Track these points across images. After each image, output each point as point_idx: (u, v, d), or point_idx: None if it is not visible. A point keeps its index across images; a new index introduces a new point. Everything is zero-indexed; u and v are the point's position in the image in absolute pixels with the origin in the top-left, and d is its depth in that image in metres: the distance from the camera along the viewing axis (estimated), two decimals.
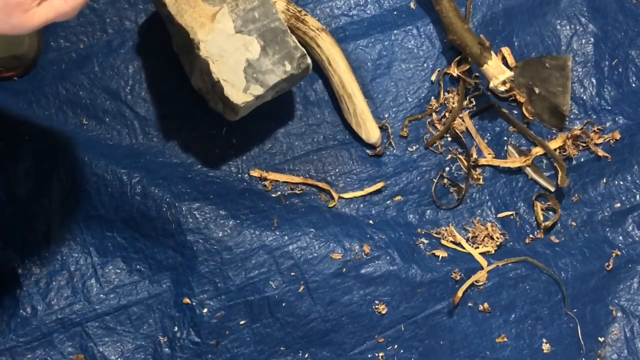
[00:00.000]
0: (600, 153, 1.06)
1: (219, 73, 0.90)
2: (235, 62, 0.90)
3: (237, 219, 0.98)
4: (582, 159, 1.07)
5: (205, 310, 0.95)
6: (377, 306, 0.98)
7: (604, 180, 1.07)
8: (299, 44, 0.93)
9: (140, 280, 0.96)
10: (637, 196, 1.06)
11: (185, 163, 1.00)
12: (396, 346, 0.99)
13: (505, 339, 1.01)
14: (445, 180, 1.06)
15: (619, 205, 1.06)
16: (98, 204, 0.95)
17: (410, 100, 1.06)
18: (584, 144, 1.06)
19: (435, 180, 1.05)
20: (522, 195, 1.06)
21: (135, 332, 0.95)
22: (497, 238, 1.03)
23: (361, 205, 1.03)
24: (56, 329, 0.93)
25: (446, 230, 1.04)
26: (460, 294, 0.99)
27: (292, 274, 0.97)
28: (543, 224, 1.04)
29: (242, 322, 0.96)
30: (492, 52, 1.02)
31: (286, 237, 0.97)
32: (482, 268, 1.01)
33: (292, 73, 0.92)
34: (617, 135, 1.06)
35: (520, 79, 1.07)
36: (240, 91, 0.91)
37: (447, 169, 1.06)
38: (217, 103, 0.95)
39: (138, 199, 0.96)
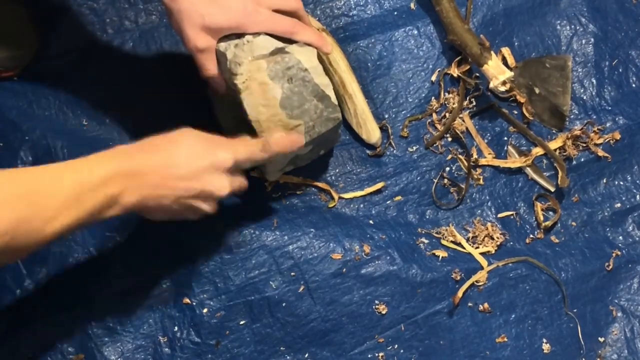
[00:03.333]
0: (600, 153, 1.06)
1: (270, 165, 0.93)
2: (288, 157, 0.94)
3: (237, 219, 0.98)
4: (582, 159, 1.07)
5: (205, 310, 0.95)
6: (377, 306, 0.98)
7: (604, 181, 1.07)
8: (339, 134, 1.00)
9: (140, 280, 0.95)
10: (637, 196, 1.06)
11: None
12: (396, 346, 0.99)
13: (505, 339, 1.01)
14: (446, 181, 1.06)
15: (619, 205, 1.06)
16: None
17: (410, 100, 1.06)
18: (584, 144, 1.06)
19: (436, 181, 1.05)
20: (522, 195, 1.06)
21: (136, 332, 0.95)
22: (497, 238, 1.03)
23: (361, 205, 1.03)
24: (56, 329, 0.93)
25: (446, 230, 1.04)
26: (460, 294, 0.99)
27: (292, 274, 0.97)
28: (543, 224, 1.04)
29: (242, 322, 0.96)
30: (492, 53, 1.02)
31: (286, 237, 0.97)
32: (482, 268, 1.01)
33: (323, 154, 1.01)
34: (617, 136, 1.06)
35: (520, 79, 1.07)
36: (277, 171, 0.97)
37: (447, 169, 1.06)
38: None
39: None
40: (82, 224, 0.72)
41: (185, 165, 0.78)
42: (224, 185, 0.81)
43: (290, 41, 0.89)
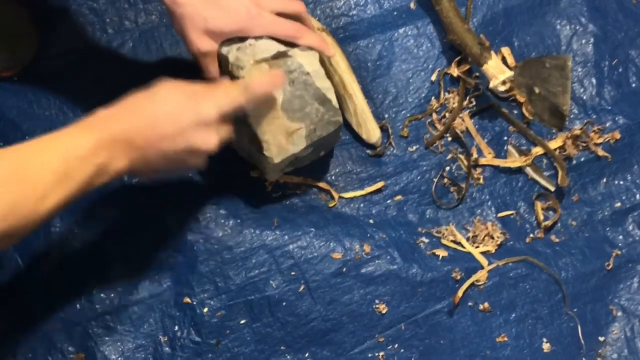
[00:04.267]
0: (600, 153, 1.06)
1: (270, 165, 0.92)
2: (288, 159, 0.93)
3: (237, 218, 0.98)
4: (582, 159, 1.07)
5: (205, 309, 0.95)
6: (377, 306, 0.98)
7: (604, 180, 1.07)
8: (340, 137, 0.99)
9: (141, 280, 0.96)
10: (637, 196, 1.06)
11: None
12: (396, 345, 0.99)
13: (506, 339, 1.01)
14: (446, 180, 1.06)
15: (619, 204, 1.06)
16: (98, 204, 0.95)
17: (410, 100, 1.06)
18: (584, 144, 1.06)
19: (436, 180, 1.05)
20: (522, 195, 1.06)
21: (136, 331, 0.95)
22: (498, 237, 1.03)
23: (361, 205, 1.03)
24: (57, 328, 0.93)
25: (446, 229, 1.04)
26: (460, 293, 0.99)
27: (293, 273, 0.97)
28: (543, 224, 1.04)
29: (242, 322, 0.96)
30: (492, 52, 1.02)
31: (286, 237, 0.97)
32: (482, 267, 1.01)
33: (323, 155, 1.00)
34: (617, 135, 1.06)
35: (520, 79, 1.07)
36: (277, 171, 0.96)
37: (447, 168, 1.06)
38: (249, 157, 0.98)
39: (138, 199, 0.96)
40: (74, 197, 0.71)
41: (168, 123, 0.76)
42: (210, 139, 0.79)
43: (292, 44, 0.89)
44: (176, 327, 0.95)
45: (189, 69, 0.96)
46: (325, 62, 1.00)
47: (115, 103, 0.77)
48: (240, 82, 0.84)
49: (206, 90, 0.81)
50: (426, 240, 1.03)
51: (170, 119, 0.77)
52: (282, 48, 0.87)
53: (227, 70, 0.88)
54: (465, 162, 1.05)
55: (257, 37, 0.86)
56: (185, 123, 0.77)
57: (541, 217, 1.05)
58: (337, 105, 0.92)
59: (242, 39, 0.87)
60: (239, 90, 0.82)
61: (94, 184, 0.73)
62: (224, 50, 0.86)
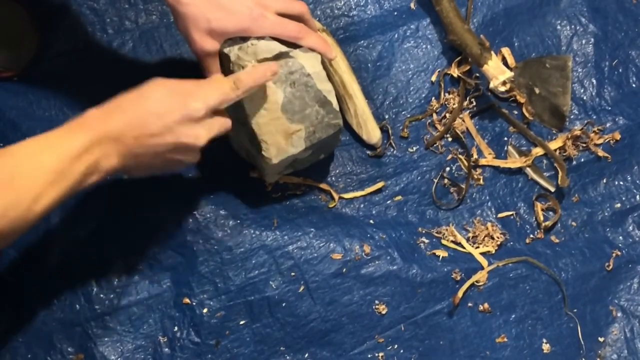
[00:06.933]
0: (601, 153, 1.06)
1: (269, 166, 0.92)
2: (287, 160, 0.93)
3: (237, 219, 0.98)
4: (582, 159, 1.07)
5: (205, 310, 0.95)
6: (377, 306, 0.98)
7: (604, 181, 1.07)
8: (340, 139, 0.99)
9: (140, 280, 0.96)
10: (637, 196, 1.06)
11: None
12: (396, 346, 0.99)
13: (505, 339, 1.01)
14: (446, 181, 1.06)
15: (619, 205, 1.06)
16: (98, 205, 0.95)
17: (410, 101, 1.06)
18: (584, 145, 1.06)
19: (436, 181, 1.05)
20: (522, 196, 1.06)
21: (135, 332, 0.95)
22: (498, 238, 1.03)
23: (361, 206, 1.03)
24: (56, 329, 0.93)
25: (447, 230, 1.04)
26: (460, 294, 0.99)
27: (292, 274, 0.97)
28: (543, 224, 1.04)
29: (242, 322, 0.96)
30: (492, 53, 1.02)
31: (286, 237, 0.97)
32: (482, 268, 1.01)
33: (323, 158, 1.00)
34: (617, 136, 1.06)
35: (520, 80, 1.07)
36: (275, 173, 0.97)
37: (448, 169, 1.06)
38: (248, 157, 0.98)
39: (138, 200, 0.96)
40: (67, 196, 0.72)
41: (156, 121, 0.77)
42: (199, 134, 0.80)
43: (294, 45, 0.89)
44: (176, 328, 0.95)
45: (190, 69, 0.96)
46: (325, 63, 1.00)
47: (105, 102, 0.78)
48: (231, 76, 0.84)
49: (195, 86, 0.81)
50: (426, 241, 1.03)
51: (158, 116, 0.77)
52: (283, 49, 0.87)
53: (228, 69, 0.88)
54: (466, 163, 1.05)
55: (259, 37, 0.87)
56: (172, 120, 0.78)
57: (541, 218, 1.05)
58: (337, 108, 0.92)
59: (244, 39, 0.87)
60: (229, 84, 0.82)
61: (87, 182, 0.74)
62: (226, 49, 0.86)
